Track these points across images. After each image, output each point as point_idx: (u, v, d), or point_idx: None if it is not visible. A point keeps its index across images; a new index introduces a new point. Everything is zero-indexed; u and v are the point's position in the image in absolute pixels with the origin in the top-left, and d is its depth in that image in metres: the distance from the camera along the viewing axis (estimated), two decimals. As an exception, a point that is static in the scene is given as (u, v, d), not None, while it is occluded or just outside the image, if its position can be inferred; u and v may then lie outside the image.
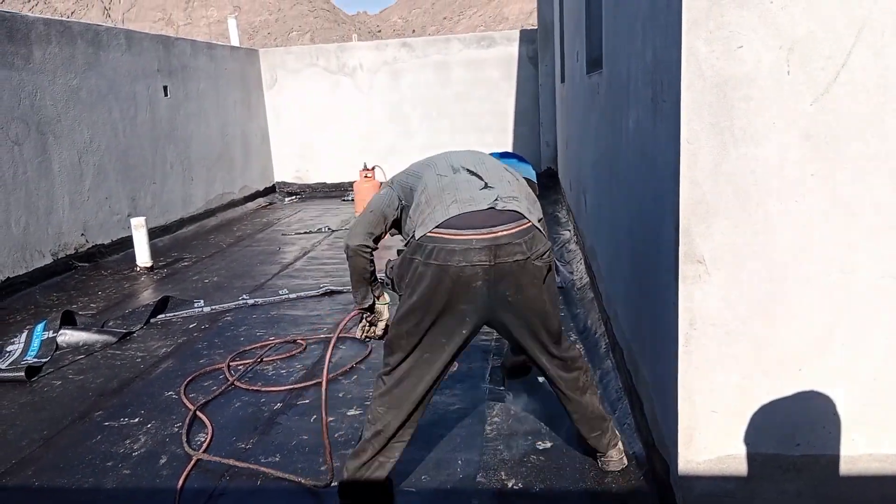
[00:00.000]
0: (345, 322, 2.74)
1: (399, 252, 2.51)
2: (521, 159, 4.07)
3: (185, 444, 3.08)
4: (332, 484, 2.62)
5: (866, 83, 1.85)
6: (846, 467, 2.05)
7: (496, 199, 2.28)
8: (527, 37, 10.89)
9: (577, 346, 4.08)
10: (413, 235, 2.31)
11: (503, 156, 4.12)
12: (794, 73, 1.88)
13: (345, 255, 2.54)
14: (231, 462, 2.88)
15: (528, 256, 2.25)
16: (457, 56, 11.02)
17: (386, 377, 2.41)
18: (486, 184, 2.34)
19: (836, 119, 1.88)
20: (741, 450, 2.08)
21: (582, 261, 5.69)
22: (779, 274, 1.96)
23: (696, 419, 2.07)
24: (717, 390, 2.05)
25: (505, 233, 2.21)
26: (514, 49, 10.91)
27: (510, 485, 2.65)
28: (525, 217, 2.28)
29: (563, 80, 8.32)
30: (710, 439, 2.09)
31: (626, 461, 2.66)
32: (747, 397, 2.05)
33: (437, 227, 2.22)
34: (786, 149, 1.91)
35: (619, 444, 2.68)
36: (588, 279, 5.12)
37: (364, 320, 2.81)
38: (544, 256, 2.31)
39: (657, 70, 2.25)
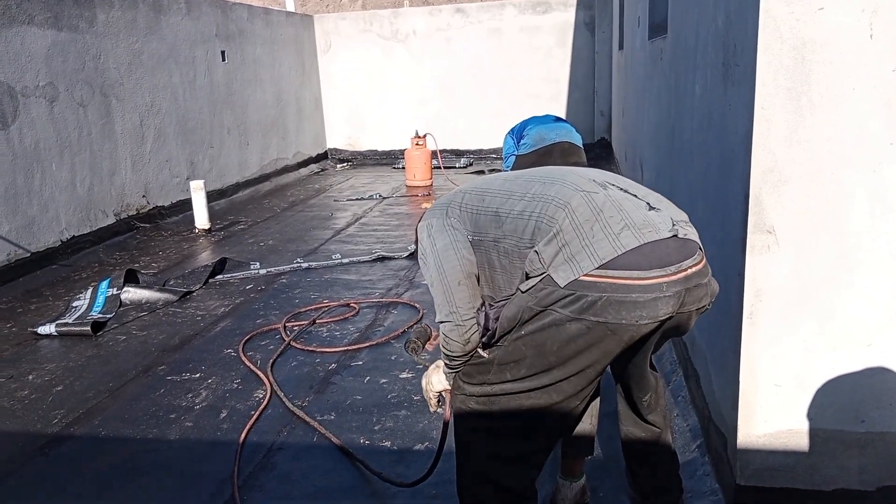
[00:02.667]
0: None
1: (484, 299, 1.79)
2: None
3: (286, 401, 3.18)
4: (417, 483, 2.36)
5: (957, 47, 1.75)
6: (914, 446, 2.00)
7: (674, 224, 1.61)
8: (584, 3, 10.63)
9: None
10: (548, 278, 1.57)
11: (557, 121, 4.04)
12: (877, 38, 1.79)
13: (453, 338, 1.74)
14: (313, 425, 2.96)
15: (710, 302, 1.67)
16: (511, 22, 10.84)
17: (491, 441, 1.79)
18: (649, 204, 1.65)
19: (921, 85, 1.79)
20: (803, 424, 2.04)
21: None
22: (851, 245, 1.89)
23: (757, 393, 2.04)
24: (781, 364, 2.00)
25: (694, 270, 1.58)
26: (570, 15, 10.67)
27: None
28: (701, 248, 1.65)
29: (621, 48, 8.12)
30: (772, 413, 2.05)
31: None
32: (811, 372, 2.00)
33: (603, 265, 1.51)
34: (865, 116, 1.83)
35: None
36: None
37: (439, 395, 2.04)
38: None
39: (729, 33, 2.17)
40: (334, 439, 2.79)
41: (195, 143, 7.97)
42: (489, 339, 1.71)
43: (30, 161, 5.48)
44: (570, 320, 1.54)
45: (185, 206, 7.34)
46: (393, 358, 3.62)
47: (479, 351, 1.75)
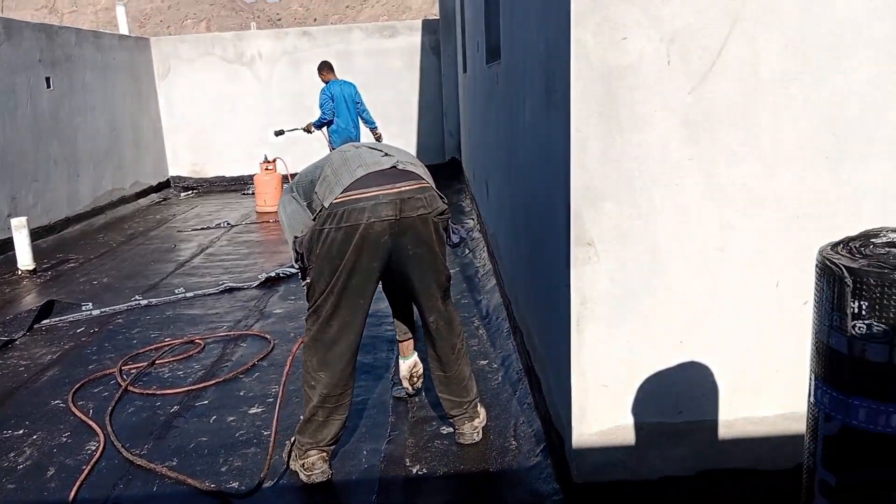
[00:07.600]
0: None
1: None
2: None
3: (122, 450, 2.91)
4: (263, 486, 2.56)
5: (740, 72, 1.97)
6: (724, 431, 2.19)
7: (397, 162, 2.49)
8: (429, 27, 10.91)
9: (480, 330, 4.15)
10: (322, 207, 2.42)
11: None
12: (674, 64, 1.98)
13: (280, 219, 2.69)
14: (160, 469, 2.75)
15: (429, 211, 2.47)
16: (359, 46, 10.90)
17: (317, 344, 2.55)
18: (385, 153, 2.55)
19: (712, 107, 1.99)
20: (629, 420, 2.18)
21: (485, 248, 5.78)
22: (661, 253, 2.06)
23: (587, 394, 2.16)
24: (607, 365, 2.14)
25: (408, 188, 2.42)
26: (416, 39, 10.90)
27: (414, 471, 2.67)
28: (424, 179, 2.51)
29: (465, 70, 8.39)
30: (601, 412, 2.17)
31: (477, 436, 2.82)
32: (634, 370, 2.15)
33: (344, 190, 2.37)
34: (666, 136, 2.01)
35: (477, 420, 2.84)
36: (491, 266, 5.21)
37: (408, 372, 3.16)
38: (443, 214, 2.56)
39: (550, 61, 2.31)
40: (175, 475, 2.63)
41: (17, 176, 7.29)
42: (301, 260, 2.51)
43: None
44: (334, 230, 2.38)
45: (6, 245, 6.68)
46: (242, 393, 3.48)
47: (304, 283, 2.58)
